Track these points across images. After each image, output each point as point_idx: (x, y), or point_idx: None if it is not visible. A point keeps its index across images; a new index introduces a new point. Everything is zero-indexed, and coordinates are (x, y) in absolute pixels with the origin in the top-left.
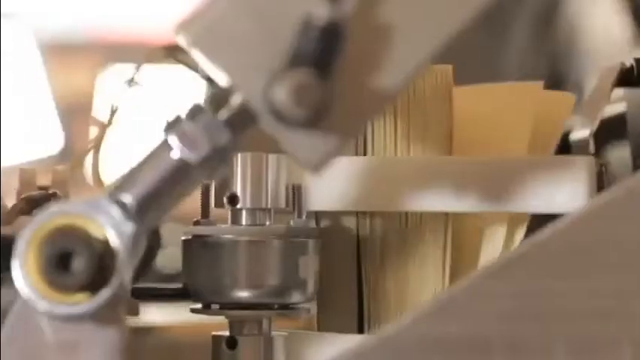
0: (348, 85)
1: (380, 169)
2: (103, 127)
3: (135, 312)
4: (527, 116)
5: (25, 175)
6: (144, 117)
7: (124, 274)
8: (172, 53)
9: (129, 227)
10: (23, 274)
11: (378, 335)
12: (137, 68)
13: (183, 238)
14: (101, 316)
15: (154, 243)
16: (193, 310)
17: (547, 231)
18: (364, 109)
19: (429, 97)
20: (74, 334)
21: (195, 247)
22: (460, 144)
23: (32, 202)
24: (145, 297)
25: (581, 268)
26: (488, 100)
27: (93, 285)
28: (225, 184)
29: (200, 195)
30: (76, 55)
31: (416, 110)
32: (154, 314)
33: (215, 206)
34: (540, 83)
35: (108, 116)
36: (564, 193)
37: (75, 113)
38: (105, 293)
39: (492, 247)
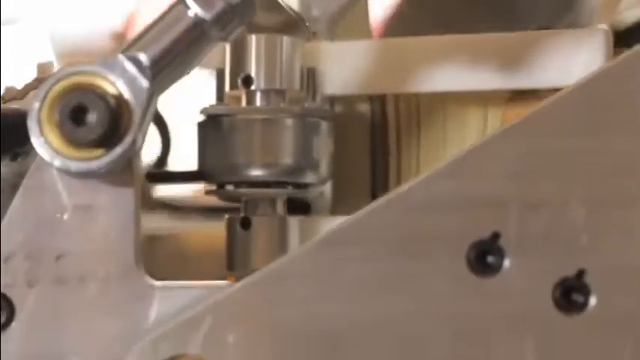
0: None
1: (395, 51)
2: None
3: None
4: None
5: (43, 68)
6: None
7: (138, 130)
8: None
9: (143, 83)
10: (38, 132)
11: (390, 194)
12: None
13: (198, 120)
14: (115, 177)
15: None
16: (208, 192)
17: (563, 90)
18: None
19: None
20: (89, 197)
21: (209, 128)
22: None
23: None
24: (158, 180)
25: (598, 126)
26: None
27: (108, 142)
28: (239, 67)
29: (215, 78)
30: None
31: None
32: (165, 222)
33: (230, 88)
34: None
35: None
36: (582, 64)
37: None
38: (119, 149)
39: None
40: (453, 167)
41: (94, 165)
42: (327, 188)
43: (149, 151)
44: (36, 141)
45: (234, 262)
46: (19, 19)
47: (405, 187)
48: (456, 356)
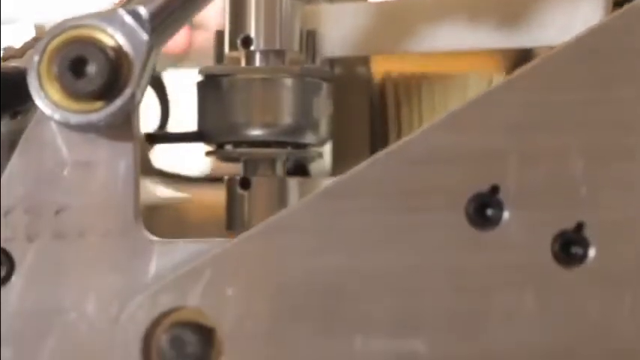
0: None
1: (394, 12)
2: None
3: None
4: None
5: (41, 29)
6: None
7: (137, 83)
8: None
9: (143, 36)
10: (38, 85)
11: (390, 148)
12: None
13: (197, 80)
14: (114, 132)
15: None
16: (208, 154)
17: (563, 43)
18: None
19: None
20: (88, 152)
21: (209, 88)
22: None
23: None
24: (158, 141)
25: (598, 79)
26: None
27: (107, 95)
28: (238, 27)
29: (214, 39)
30: None
31: None
32: (164, 191)
33: (229, 49)
34: None
35: None
36: (581, 22)
37: None
38: (119, 101)
39: None
40: (452, 120)
41: (94, 117)
42: (327, 153)
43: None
44: (36, 94)
45: (233, 222)
46: (19, 19)
47: (404, 140)
48: (455, 309)
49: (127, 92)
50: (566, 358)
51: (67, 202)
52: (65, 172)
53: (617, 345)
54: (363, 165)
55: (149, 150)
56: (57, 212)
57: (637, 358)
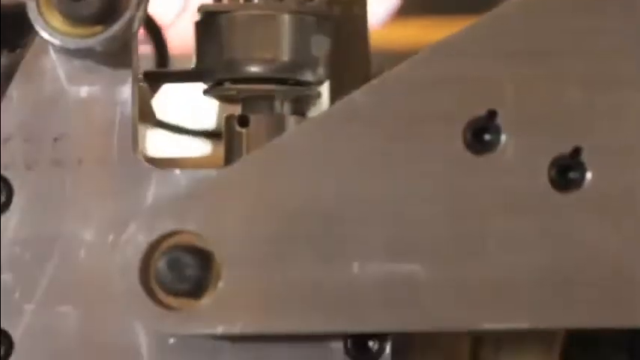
0: None
1: None
2: None
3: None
4: None
5: None
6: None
7: (135, 8)
8: None
9: None
10: (37, 11)
11: (385, 74)
12: None
13: (196, 19)
14: (113, 59)
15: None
16: (206, 92)
17: None
18: None
19: None
20: (87, 80)
21: (207, 25)
22: None
23: None
24: (157, 79)
25: (596, 6)
26: None
27: (105, 19)
28: None
29: None
30: None
31: None
32: (163, 148)
33: None
34: None
35: None
36: None
37: None
38: (117, 26)
39: None
40: (449, 46)
41: (92, 42)
42: (325, 98)
43: None
44: (35, 21)
45: (232, 160)
46: None
47: (401, 66)
48: (453, 233)
49: (125, 17)
50: (563, 281)
51: (66, 130)
52: (64, 100)
53: (613, 269)
54: (359, 91)
55: (150, 97)
56: (55, 140)
57: (633, 281)
